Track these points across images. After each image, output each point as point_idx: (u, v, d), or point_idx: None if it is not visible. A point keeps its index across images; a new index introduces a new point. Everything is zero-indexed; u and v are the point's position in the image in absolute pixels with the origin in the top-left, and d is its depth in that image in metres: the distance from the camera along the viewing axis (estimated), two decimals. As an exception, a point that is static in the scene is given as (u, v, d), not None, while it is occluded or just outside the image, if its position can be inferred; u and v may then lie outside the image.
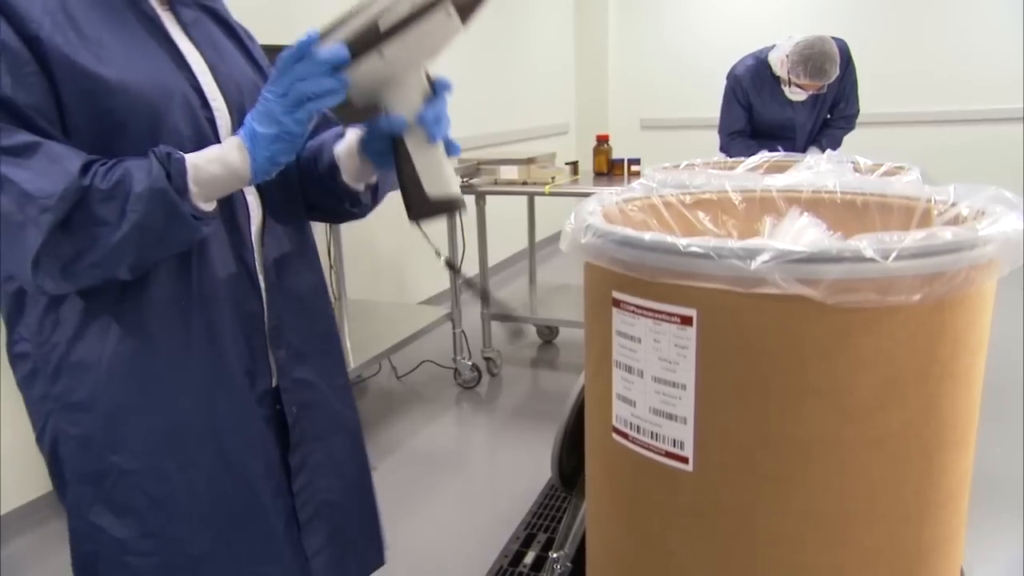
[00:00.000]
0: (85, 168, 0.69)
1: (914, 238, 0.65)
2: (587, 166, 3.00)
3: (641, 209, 1.03)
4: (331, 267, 2.79)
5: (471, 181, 2.68)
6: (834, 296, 0.64)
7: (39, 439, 0.85)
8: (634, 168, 2.80)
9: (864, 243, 0.64)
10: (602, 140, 2.88)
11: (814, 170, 1.30)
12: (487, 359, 2.91)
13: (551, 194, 2.56)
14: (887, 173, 1.34)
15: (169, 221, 0.72)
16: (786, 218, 1.00)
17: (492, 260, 4.10)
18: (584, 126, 5.82)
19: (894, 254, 0.64)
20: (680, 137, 5.73)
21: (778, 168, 1.53)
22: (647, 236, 0.73)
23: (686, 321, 0.72)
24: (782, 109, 2.69)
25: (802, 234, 0.97)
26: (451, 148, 0.84)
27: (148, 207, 0.69)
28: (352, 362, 2.25)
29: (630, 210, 1.02)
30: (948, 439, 0.72)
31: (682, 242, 0.70)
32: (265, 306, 0.89)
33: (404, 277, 3.62)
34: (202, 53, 0.84)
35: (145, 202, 0.69)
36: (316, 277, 0.99)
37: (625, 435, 0.81)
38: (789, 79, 2.53)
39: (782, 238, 0.98)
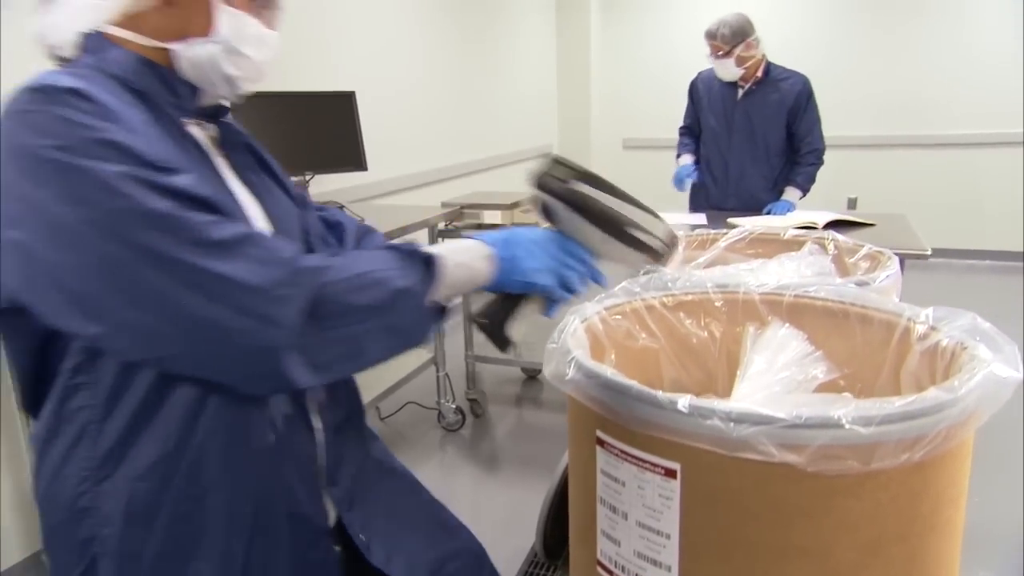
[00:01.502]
0: (314, 256, 0.68)
1: (894, 405, 0.66)
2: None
3: (624, 316, 1.03)
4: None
5: (455, 224, 2.67)
6: (816, 464, 0.65)
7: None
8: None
9: (846, 412, 0.64)
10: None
11: (796, 262, 1.32)
12: (471, 400, 2.90)
13: (534, 240, 2.57)
14: (867, 257, 1.35)
15: (418, 320, 0.72)
16: (768, 329, 1.01)
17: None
18: (567, 148, 5.84)
19: (876, 422, 0.64)
20: (663, 158, 5.75)
21: (760, 242, 1.54)
22: (633, 386, 0.73)
23: (670, 474, 0.72)
24: (719, 117, 2.89)
25: (783, 347, 0.98)
26: (549, 311, 0.84)
27: (405, 308, 0.70)
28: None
29: (613, 319, 1.02)
30: (930, 587, 0.73)
31: (666, 398, 0.70)
32: (321, 448, 0.86)
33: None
34: (257, 198, 0.84)
35: (405, 303, 0.70)
36: (357, 401, 0.97)
37: (610, 572, 0.81)
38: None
39: (763, 351, 0.99)
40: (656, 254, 0.81)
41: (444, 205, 2.67)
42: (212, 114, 0.84)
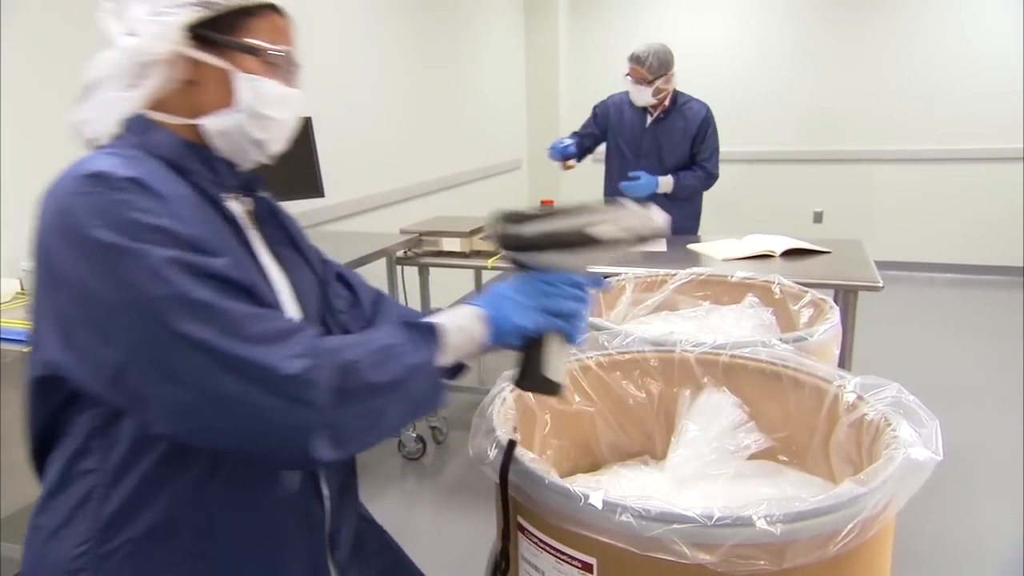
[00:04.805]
0: (334, 338, 0.71)
1: (807, 501, 0.65)
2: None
3: (559, 379, 1.02)
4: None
5: (414, 252, 2.64)
6: (729, 564, 0.64)
7: None
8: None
9: (758, 510, 0.63)
10: (546, 205, 2.87)
11: (737, 314, 1.31)
12: (433, 428, 2.87)
13: (494, 268, 2.54)
14: (811, 304, 1.35)
15: (429, 390, 0.74)
16: (703, 395, 1.00)
17: (435, 303, 4.03)
18: (537, 159, 5.83)
19: (788, 520, 0.63)
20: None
21: (709, 284, 1.54)
22: (547, 477, 0.72)
23: (587, 568, 0.70)
24: (628, 141, 3.04)
25: (717, 413, 0.97)
26: (572, 341, 0.84)
27: (420, 379, 0.72)
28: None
29: (547, 383, 1.00)
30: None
31: (581, 492, 0.68)
32: (328, 512, 0.87)
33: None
34: (286, 273, 0.85)
35: (419, 375, 0.72)
36: (354, 462, 0.97)
37: (533, 658, 0.79)
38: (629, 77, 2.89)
39: (697, 417, 0.98)
40: (631, 240, 0.80)
41: (403, 232, 2.64)
42: (248, 187, 0.86)
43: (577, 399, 1.03)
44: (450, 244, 2.57)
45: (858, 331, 2.14)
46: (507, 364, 1.05)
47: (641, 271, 1.59)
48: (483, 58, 4.90)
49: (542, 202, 2.92)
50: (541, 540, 0.74)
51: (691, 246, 2.60)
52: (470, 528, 2.33)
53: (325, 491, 0.87)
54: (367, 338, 0.73)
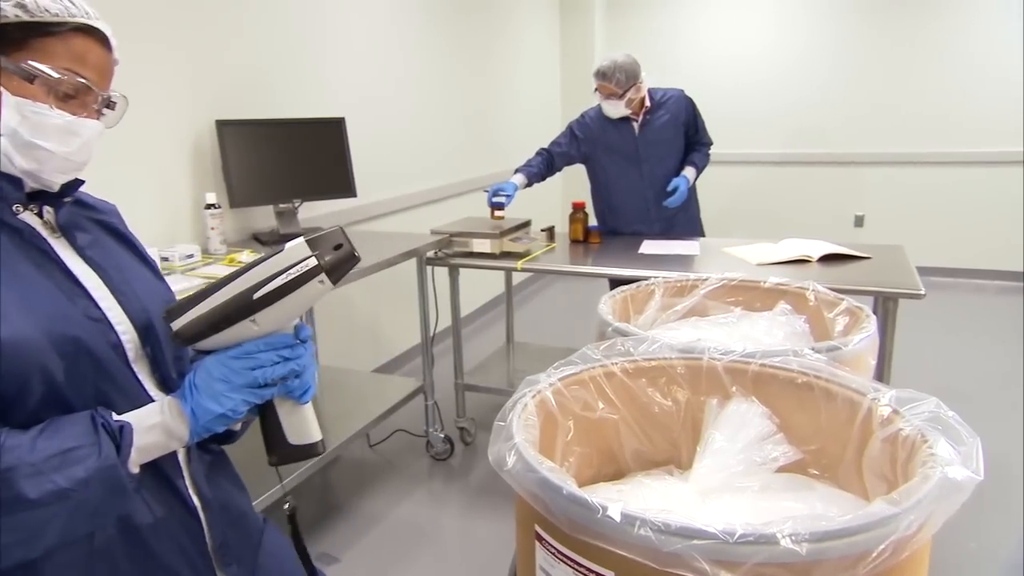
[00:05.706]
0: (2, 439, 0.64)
1: (835, 520, 0.62)
2: (563, 227, 2.97)
3: (581, 385, 1.00)
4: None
5: (444, 252, 2.65)
6: (752, 583, 0.61)
7: None
8: (610, 236, 2.77)
9: (783, 529, 0.61)
10: (578, 208, 2.85)
11: (768, 322, 1.28)
12: (461, 428, 2.87)
13: (524, 270, 2.52)
14: (847, 312, 1.31)
15: (109, 498, 0.69)
16: (730, 404, 0.97)
17: (466, 309, 4.03)
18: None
19: (815, 539, 0.61)
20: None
21: (739, 290, 1.50)
22: (566, 488, 0.70)
23: (604, 581, 0.68)
24: (622, 154, 2.94)
25: (744, 424, 0.94)
26: (306, 395, 0.81)
27: (96, 488, 0.66)
28: (326, 444, 2.21)
29: (569, 389, 0.98)
30: None
31: (600, 503, 0.67)
32: (205, 527, 0.85)
33: (379, 334, 3.58)
34: (102, 275, 0.81)
35: (96, 484, 0.66)
36: (238, 482, 0.96)
37: (550, 671, 0.77)
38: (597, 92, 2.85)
39: (724, 427, 0.95)
40: (311, 273, 0.72)
41: (433, 232, 2.65)
42: (58, 196, 0.80)
43: (601, 406, 1.01)
44: (480, 245, 2.56)
45: (898, 341, 2.07)
46: (535, 367, 1.05)
47: (672, 275, 1.56)
48: (518, 59, 4.88)
49: (573, 204, 2.91)
50: (558, 551, 0.72)
51: (725, 249, 2.55)
52: (496, 530, 2.32)
53: (195, 503, 0.84)
54: (45, 441, 0.67)
